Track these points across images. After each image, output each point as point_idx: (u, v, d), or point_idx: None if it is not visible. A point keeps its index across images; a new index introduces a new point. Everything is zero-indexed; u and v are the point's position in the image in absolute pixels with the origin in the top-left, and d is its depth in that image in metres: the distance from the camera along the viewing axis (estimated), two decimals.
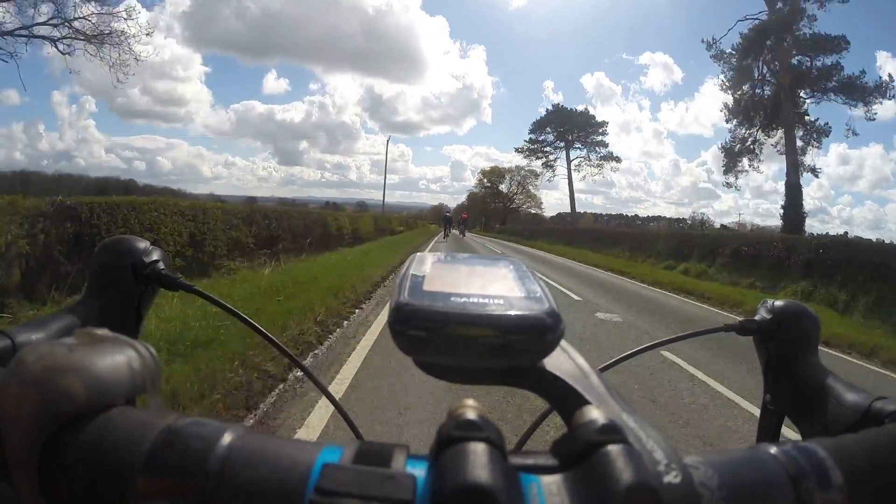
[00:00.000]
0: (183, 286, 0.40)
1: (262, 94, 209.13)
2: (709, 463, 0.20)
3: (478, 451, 0.17)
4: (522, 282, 0.27)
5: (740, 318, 0.43)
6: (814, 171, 21.65)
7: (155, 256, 0.40)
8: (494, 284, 0.26)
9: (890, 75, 20.55)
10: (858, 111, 20.71)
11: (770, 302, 0.42)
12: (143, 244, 0.39)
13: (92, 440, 0.18)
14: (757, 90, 21.90)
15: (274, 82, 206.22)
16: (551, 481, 0.18)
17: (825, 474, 0.20)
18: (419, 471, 0.17)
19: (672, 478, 0.18)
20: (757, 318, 0.41)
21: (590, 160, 47.35)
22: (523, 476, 0.18)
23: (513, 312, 0.22)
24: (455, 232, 31.60)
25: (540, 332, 0.22)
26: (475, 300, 0.23)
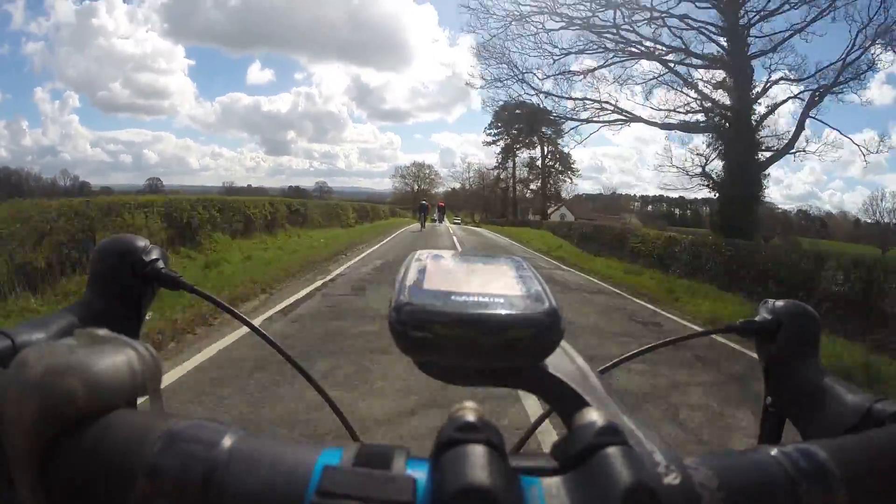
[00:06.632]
0: (183, 285, 0.40)
1: (247, 86, 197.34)
2: (708, 464, 0.20)
3: (477, 453, 0.17)
4: (523, 280, 0.27)
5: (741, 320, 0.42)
6: None
7: (154, 255, 0.39)
8: (495, 283, 0.26)
9: None
10: None
11: (770, 302, 0.41)
12: (142, 243, 0.39)
13: (93, 443, 0.18)
14: None
15: (258, 73, 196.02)
16: (552, 483, 0.18)
17: (826, 476, 0.20)
18: (419, 473, 0.17)
19: (671, 479, 0.18)
20: (757, 318, 0.41)
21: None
22: (524, 478, 0.18)
23: (513, 311, 0.22)
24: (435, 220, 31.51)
25: (540, 331, 0.22)
26: (475, 299, 0.23)
